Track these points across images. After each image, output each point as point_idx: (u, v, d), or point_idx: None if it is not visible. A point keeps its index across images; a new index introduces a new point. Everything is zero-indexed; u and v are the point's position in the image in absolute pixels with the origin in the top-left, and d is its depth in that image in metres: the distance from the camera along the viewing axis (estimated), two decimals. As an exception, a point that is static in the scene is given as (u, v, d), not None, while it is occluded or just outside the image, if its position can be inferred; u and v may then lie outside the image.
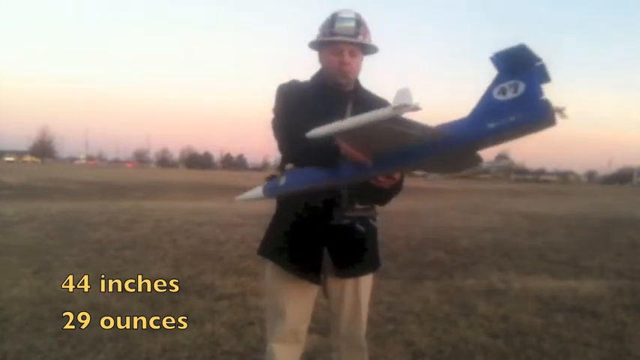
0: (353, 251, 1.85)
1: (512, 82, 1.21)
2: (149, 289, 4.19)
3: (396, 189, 1.72)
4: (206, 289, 4.26)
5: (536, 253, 6.94)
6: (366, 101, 1.82)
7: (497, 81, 1.24)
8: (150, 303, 3.81)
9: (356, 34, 1.72)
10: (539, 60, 1.19)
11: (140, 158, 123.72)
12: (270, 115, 1.85)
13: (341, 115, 1.73)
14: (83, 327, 3.23)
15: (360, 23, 1.74)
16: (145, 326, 3.28)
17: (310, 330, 2.07)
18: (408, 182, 1.98)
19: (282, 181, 1.69)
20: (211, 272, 4.91)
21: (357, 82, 1.88)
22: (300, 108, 1.72)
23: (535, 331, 3.50)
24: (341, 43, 1.73)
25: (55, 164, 79.73)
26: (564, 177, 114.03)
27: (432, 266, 5.66)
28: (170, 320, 3.41)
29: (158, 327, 3.28)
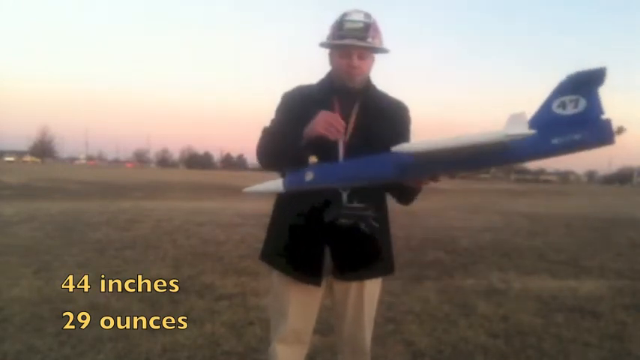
0: (355, 253, 1.79)
1: (573, 96, 1.21)
2: (149, 289, 4.19)
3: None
4: (206, 289, 4.26)
5: (536, 253, 6.94)
6: (375, 102, 1.80)
7: (557, 93, 1.24)
8: (150, 303, 3.81)
9: (364, 37, 1.66)
10: (603, 79, 1.18)
11: (140, 158, 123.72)
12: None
13: (346, 118, 1.71)
14: (83, 327, 3.23)
15: (369, 25, 1.67)
16: (145, 326, 3.28)
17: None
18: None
19: (310, 176, 1.59)
20: (211, 272, 4.91)
21: (367, 82, 1.83)
22: (299, 117, 1.68)
23: (535, 331, 3.50)
24: (349, 46, 1.68)
25: (55, 164, 79.70)
26: (564, 177, 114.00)
27: (432, 266, 5.66)
28: (170, 320, 3.41)
29: (158, 327, 3.28)
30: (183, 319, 3.42)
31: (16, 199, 13.03)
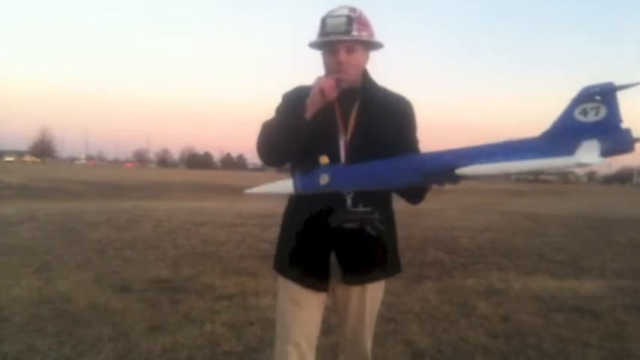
0: (362, 256, 1.76)
1: (594, 104, 1.22)
2: (149, 289, 4.19)
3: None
4: (206, 289, 4.26)
5: (536, 253, 6.93)
6: (375, 99, 1.75)
7: (578, 100, 1.25)
8: (150, 303, 3.81)
9: (348, 31, 1.61)
10: (618, 89, 1.21)
11: (140, 158, 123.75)
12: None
13: (346, 117, 1.70)
14: (83, 327, 3.23)
15: (352, 18, 1.62)
16: (145, 326, 3.28)
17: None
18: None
19: (325, 179, 1.55)
20: (211, 272, 4.91)
21: (365, 78, 1.77)
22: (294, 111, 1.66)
23: (535, 331, 3.50)
24: (334, 42, 1.63)
25: (55, 164, 79.68)
26: (564, 177, 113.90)
27: (432, 266, 5.66)
28: (170, 320, 3.41)
29: (158, 327, 3.28)
30: (183, 319, 3.43)
31: (16, 199, 13.04)
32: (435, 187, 1.66)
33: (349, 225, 1.60)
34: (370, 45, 1.71)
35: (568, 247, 7.58)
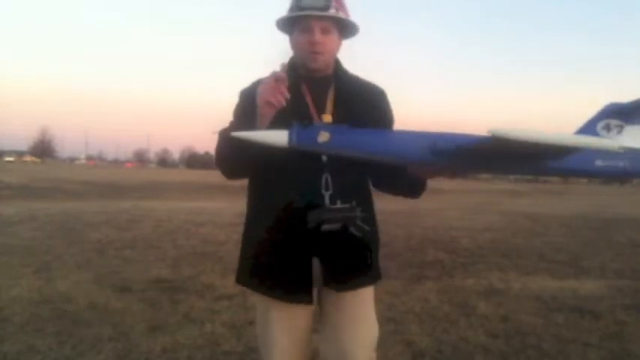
0: (347, 260, 1.55)
1: (618, 121, 1.21)
2: (149, 289, 4.19)
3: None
4: (206, 289, 4.26)
5: (536, 253, 6.93)
6: (350, 87, 1.58)
7: (602, 114, 1.23)
8: (150, 303, 3.81)
9: (326, 7, 1.44)
10: None
11: (140, 158, 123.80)
12: None
13: (320, 107, 1.53)
14: (83, 327, 3.23)
15: None
16: (145, 326, 3.28)
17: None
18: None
19: (325, 137, 1.32)
20: (211, 272, 4.91)
21: (337, 66, 1.60)
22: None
23: (535, 331, 3.50)
24: (310, 18, 1.45)
25: (55, 164, 79.71)
26: (564, 177, 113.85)
27: (432, 266, 5.66)
28: (170, 320, 3.41)
29: (158, 327, 3.28)
30: (183, 319, 3.43)
31: (16, 199, 13.04)
32: (435, 187, 1.63)
33: (328, 226, 1.43)
34: (344, 30, 1.54)
35: (568, 247, 7.58)
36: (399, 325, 3.48)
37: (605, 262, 6.35)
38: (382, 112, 1.64)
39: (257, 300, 1.64)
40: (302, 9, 1.45)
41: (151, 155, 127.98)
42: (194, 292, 4.16)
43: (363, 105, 1.56)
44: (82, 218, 8.93)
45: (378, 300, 1.79)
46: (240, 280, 1.66)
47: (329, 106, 1.53)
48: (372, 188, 1.67)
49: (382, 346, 3.03)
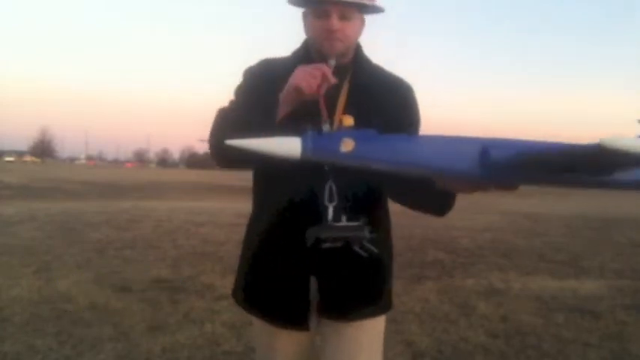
0: (347, 285, 1.34)
1: None
2: (149, 289, 4.19)
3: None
4: (206, 289, 4.26)
5: (536, 253, 6.93)
6: (369, 79, 1.35)
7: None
8: (150, 303, 3.81)
9: None
10: None
11: (140, 158, 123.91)
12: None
13: (331, 101, 1.24)
14: (83, 327, 3.23)
15: None
16: (145, 326, 3.28)
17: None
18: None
19: (349, 146, 1.01)
20: (211, 272, 4.91)
21: (357, 53, 1.36)
22: (266, 100, 1.22)
23: (535, 331, 3.50)
24: (326, 2, 1.23)
25: (55, 164, 79.73)
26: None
27: (432, 266, 5.66)
28: (170, 320, 3.41)
29: (158, 327, 3.28)
30: (183, 319, 3.43)
31: (16, 199, 13.03)
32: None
33: (328, 245, 1.19)
34: (366, 10, 1.30)
35: (568, 247, 7.58)
36: (399, 325, 3.48)
37: (605, 262, 6.35)
38: (409, 109, 1.38)
39: (254, 322, 1.50)
40: None
41: (151, 155, 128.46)
42: (194, 292, 4.16)
43: (384, 103, 1.32)
44: (82, 218, 8.93)
45: (381, 345, 1.53)
46: (235, 296, 1.54)
47: (341, 101, 1.29)
48: (387, 200, 1.43)
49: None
